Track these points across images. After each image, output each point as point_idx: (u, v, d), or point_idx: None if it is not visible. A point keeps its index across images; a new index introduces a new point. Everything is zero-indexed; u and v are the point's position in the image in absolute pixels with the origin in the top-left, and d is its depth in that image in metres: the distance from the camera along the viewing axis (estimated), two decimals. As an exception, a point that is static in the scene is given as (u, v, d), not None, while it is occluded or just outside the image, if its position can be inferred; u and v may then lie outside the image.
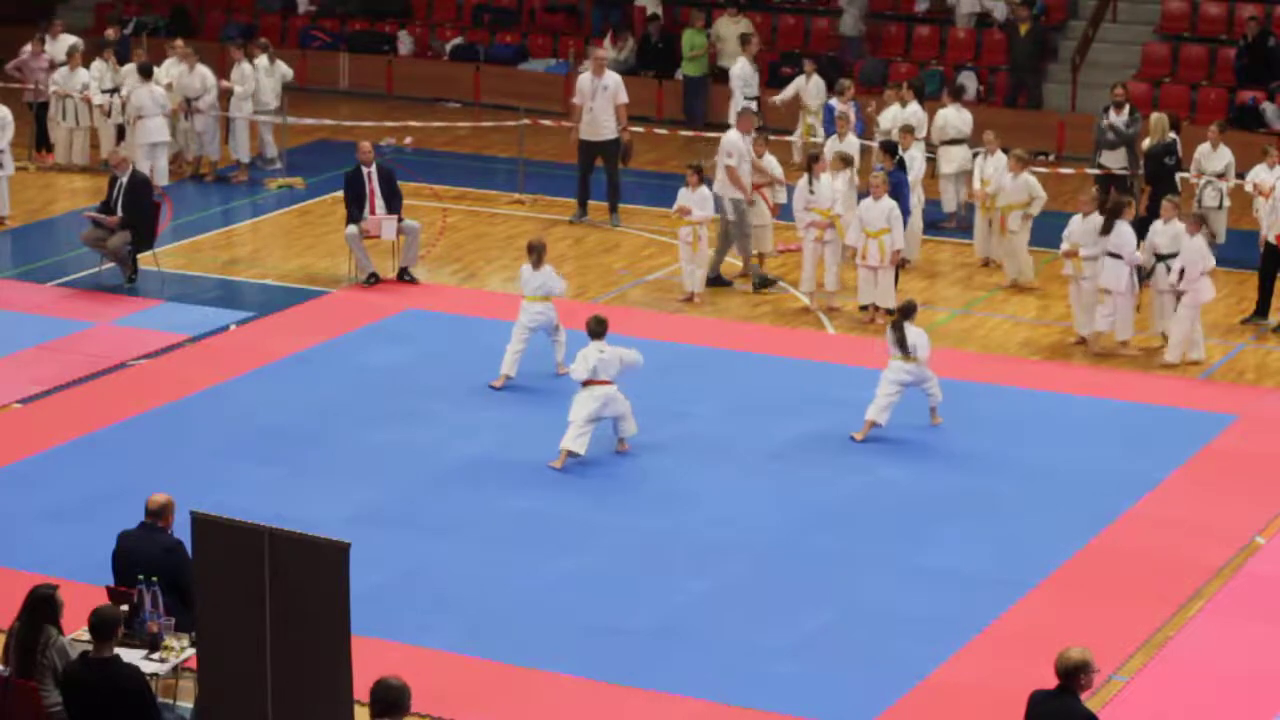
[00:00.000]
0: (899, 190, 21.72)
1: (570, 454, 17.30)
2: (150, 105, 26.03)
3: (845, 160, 22.33)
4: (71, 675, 11.72)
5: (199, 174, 27.27)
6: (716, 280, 22.57)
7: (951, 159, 24.81)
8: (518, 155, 27.04)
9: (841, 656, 14.09)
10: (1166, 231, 20.48)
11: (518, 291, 19.99)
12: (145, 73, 26.43)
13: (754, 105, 26.34)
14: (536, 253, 19.42)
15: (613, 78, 25.15)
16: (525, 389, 19.24)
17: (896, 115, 24.84)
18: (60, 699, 11.86)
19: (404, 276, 22.48)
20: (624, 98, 25.15)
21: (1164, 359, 20.33)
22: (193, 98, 26.84)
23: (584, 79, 25.18)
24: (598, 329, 17.53)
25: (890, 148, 22.58)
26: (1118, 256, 20.26)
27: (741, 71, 27.61)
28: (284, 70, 27.78)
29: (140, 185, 22.51)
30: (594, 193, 25.34)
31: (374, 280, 22.36)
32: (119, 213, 22.27)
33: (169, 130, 26.41)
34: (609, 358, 17.41)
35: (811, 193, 21.80)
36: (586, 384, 17.38)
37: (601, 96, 24.96)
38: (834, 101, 25.29)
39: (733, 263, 23.39)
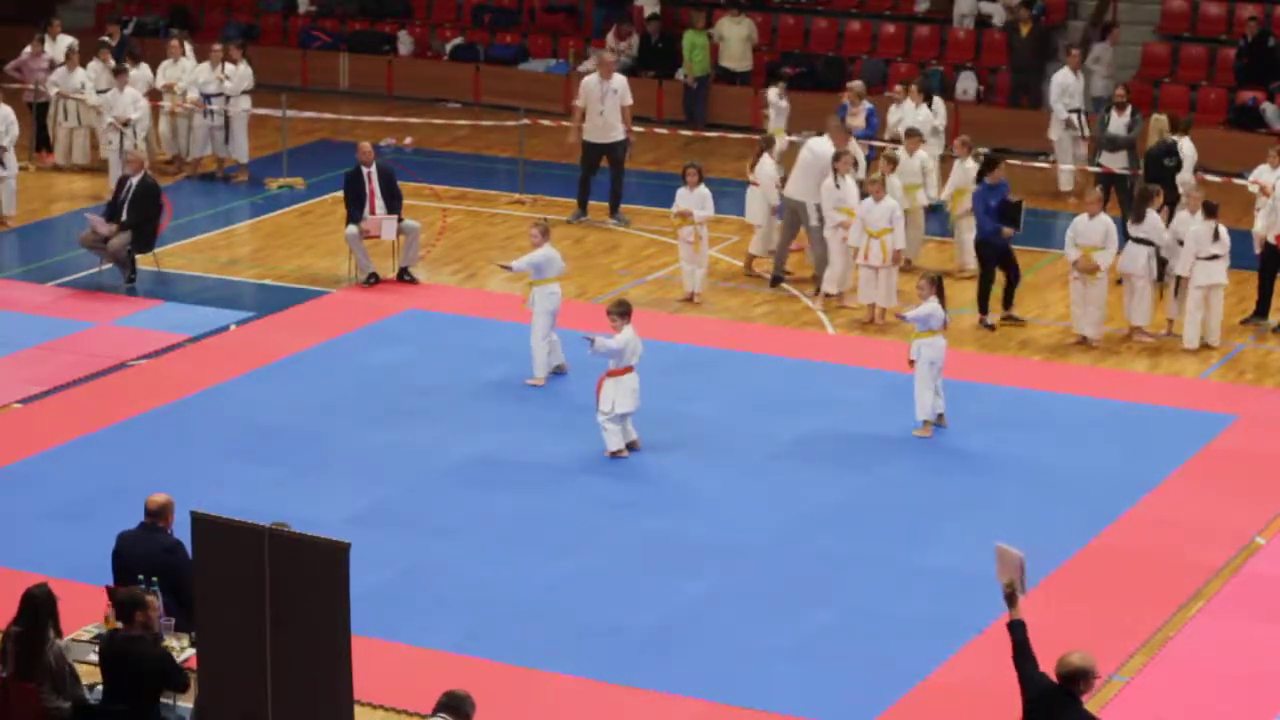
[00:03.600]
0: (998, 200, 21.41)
1: (614, 454, 17.55)
2: (134, 109, 26.03)
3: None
4: (101, 651, 11.96)
5: (208, 173, 27.25)
6: (779, 279, 22.58)
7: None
8: (518, 155, 27.04)
9: (841, 656, 14.10)
10: (1194, 222, 20.95)
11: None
12: (123, 74, 26.40)
13: (1074, 118, 25.93)
14: (541, 230, 19.45)
15: (619, 80, 25.11)
16: (525, 389, 19.23)
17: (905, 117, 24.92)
18: (57, 700, 11.89)
19: (404, 276, 22.48)
20: (629, 100, 25.12)
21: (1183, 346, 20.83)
22: (213, 94, 26.79)
23: (590, 81, 25.09)
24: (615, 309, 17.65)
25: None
26: (1145, 243, 20.82)
27: (1064, 80, 26.32)
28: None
29: (150, 189, 22.50)
30: (593, 193, 25.32)
31: (374, 280, 22.36)
32: (124, 213, 22.27)
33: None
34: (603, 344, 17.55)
35: (837, 187, 21.80)
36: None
37: (610, 99, 24.89)
38: (847, 104, 25.23)
39: (732, 261, 23.42)
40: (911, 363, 18.19)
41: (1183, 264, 20.83)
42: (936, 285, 18.19)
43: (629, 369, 17.45)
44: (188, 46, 27.83)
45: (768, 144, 23.64)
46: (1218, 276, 20.68)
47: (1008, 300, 21.41)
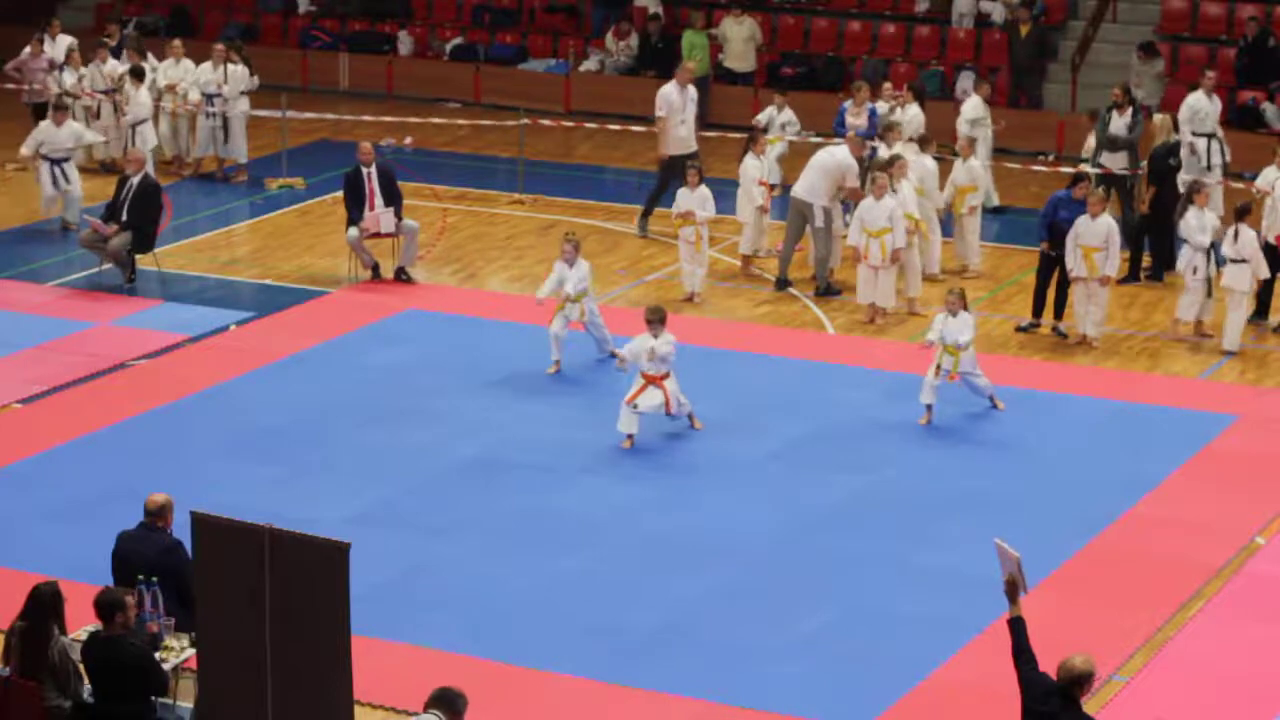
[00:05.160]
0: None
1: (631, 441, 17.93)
2: (145, 109, 26.03)
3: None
4: (82, 654, 11.96)
5: (209, 173, 27.24)
6: (784, 283, 22.54)
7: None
8: (518, 155, 27.04)
9: (841, 656, 14.10)
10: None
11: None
12: (138, 75, 26.41)
13: (1201, 143, 24.51)
14: (573, 245, 19.62)
15: (692, 88, 24.81)
16: (525, 389, 19.23)
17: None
18: (59, 698, 11.90)
19: (401, 276, 22.47)
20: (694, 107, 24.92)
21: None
22: (215, 94, 26.79)
23: (670, 91, 24.51)
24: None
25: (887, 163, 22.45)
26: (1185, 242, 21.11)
27: (1195, 104, 24.99)
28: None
29: (150, 189, 22.49)
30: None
31: (377, 270, 22.36)
32: (124, 214, 22.27)
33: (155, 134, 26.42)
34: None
35: (894, 191, 21.76)
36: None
37: (690, 108, 24.70)
38: (847, 104, 25.18)
39: (732, 261, 23.41)
40: (937, 369, 18.32)
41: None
42: (964, 298, 18.63)
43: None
44: (150, 56, 27.73)
45: (751, 141, 23.61)
46: (1237, 280, 20.62)
47: (1058, 310, 21.30)
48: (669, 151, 24.45)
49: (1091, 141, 24.39)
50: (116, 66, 27.24)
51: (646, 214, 24.73)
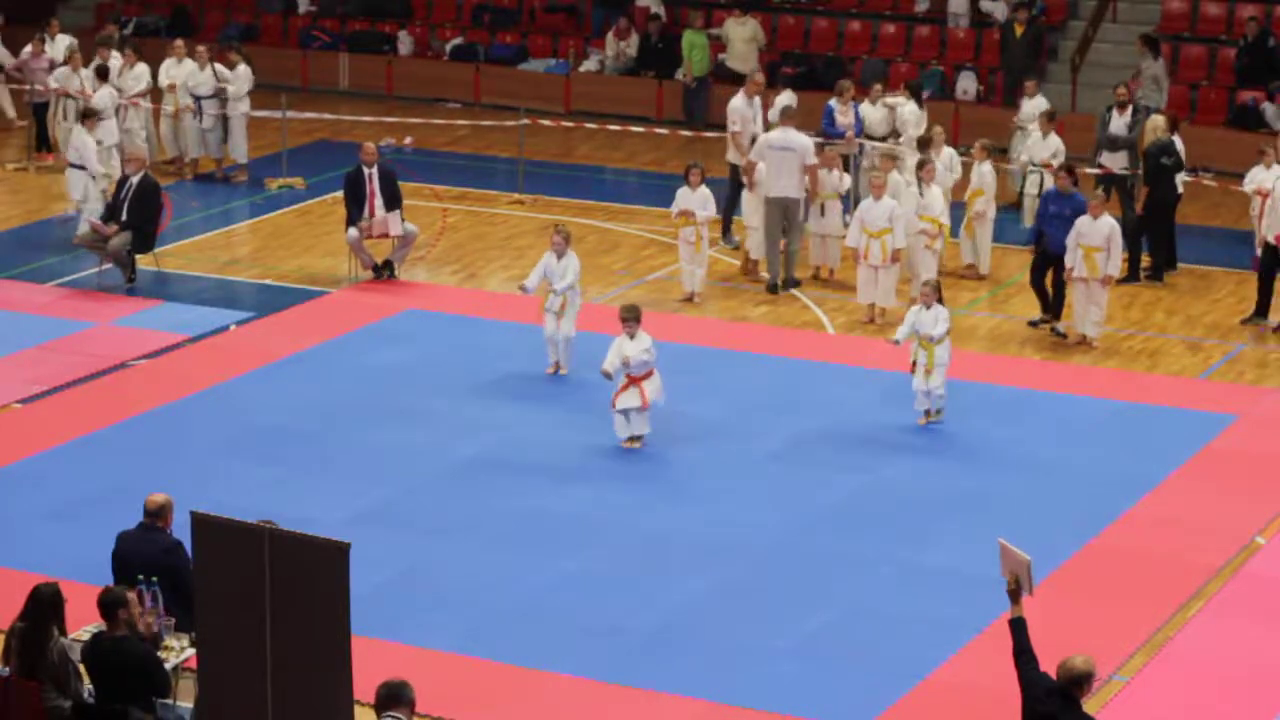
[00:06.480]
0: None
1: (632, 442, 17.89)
2: (109, 107, 25.94)
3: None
4: (86, 654, 11.95)
5: (208, 173, 27.24)
6: (784, 284, 22.48)
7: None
8: (518, 155, 27.05)
9: (841, 656, 14.10)
10: None
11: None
12: (103, 75, 26.36)
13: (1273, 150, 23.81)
14: (564, 237, 19.59)
15: (757, 98, 24.75)
16: (524, 390, 19.24)
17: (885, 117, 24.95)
18: (59, 698, 11.90)
19: (386, 270, 22.49)
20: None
21: None
22: (204, 96, 26.79)
23: (740, 102, 24.37)
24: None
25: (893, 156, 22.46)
26: None
27: None
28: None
29: (150, 189, 22.48)
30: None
31: (377, 270, 22.38)
32: (124, 214, 22.26)
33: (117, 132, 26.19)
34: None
35: (921, 195, 21.72)
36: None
37: (759, 116, 24.57)
38: (833, 103, 25.18)
39: (731, 261, 23.42)
40: (914, 365, 18.26)
41: None
42: (938, 291, 18.40)
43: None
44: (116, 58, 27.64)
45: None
46: None
47: (1056, 309, 21.24)
48: (730, 160, 24.28)
49: (1055, 140, 24.23)
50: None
51: (726, 229, 24.39)
